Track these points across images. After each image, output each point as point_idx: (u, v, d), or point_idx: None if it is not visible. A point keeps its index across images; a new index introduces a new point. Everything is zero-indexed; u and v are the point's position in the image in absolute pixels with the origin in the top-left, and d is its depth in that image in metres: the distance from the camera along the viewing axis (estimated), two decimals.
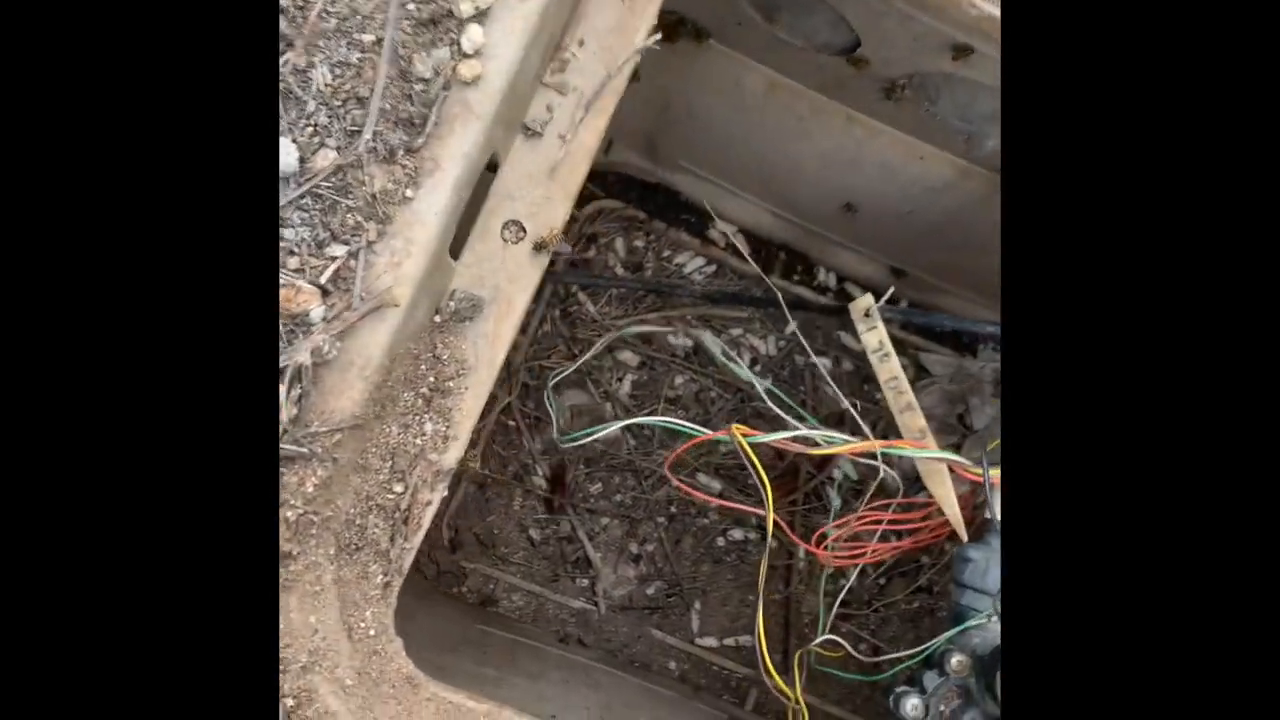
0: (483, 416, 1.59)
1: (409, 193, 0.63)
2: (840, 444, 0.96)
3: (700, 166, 1.52)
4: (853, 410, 0.95)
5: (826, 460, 1.59)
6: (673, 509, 1.60)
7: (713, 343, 1.48)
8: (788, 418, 1.00)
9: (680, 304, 1.62)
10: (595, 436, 0.96)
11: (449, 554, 1.53)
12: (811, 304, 1.21)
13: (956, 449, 1.57)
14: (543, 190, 0.71)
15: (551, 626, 1.54)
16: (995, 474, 0.96)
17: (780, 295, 1.20)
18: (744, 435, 0.93)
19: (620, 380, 1.60)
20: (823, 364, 1.65)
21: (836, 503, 1.26)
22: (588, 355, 1.13)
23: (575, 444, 1.05)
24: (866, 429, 0.92)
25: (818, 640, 1.09)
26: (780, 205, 1.54)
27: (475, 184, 0.67)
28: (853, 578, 1.36)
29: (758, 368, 1.64)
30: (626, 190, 1.63)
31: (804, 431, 0.96)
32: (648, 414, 1.59)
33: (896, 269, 1.56)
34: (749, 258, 1.60)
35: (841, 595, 1.21)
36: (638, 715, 1.25)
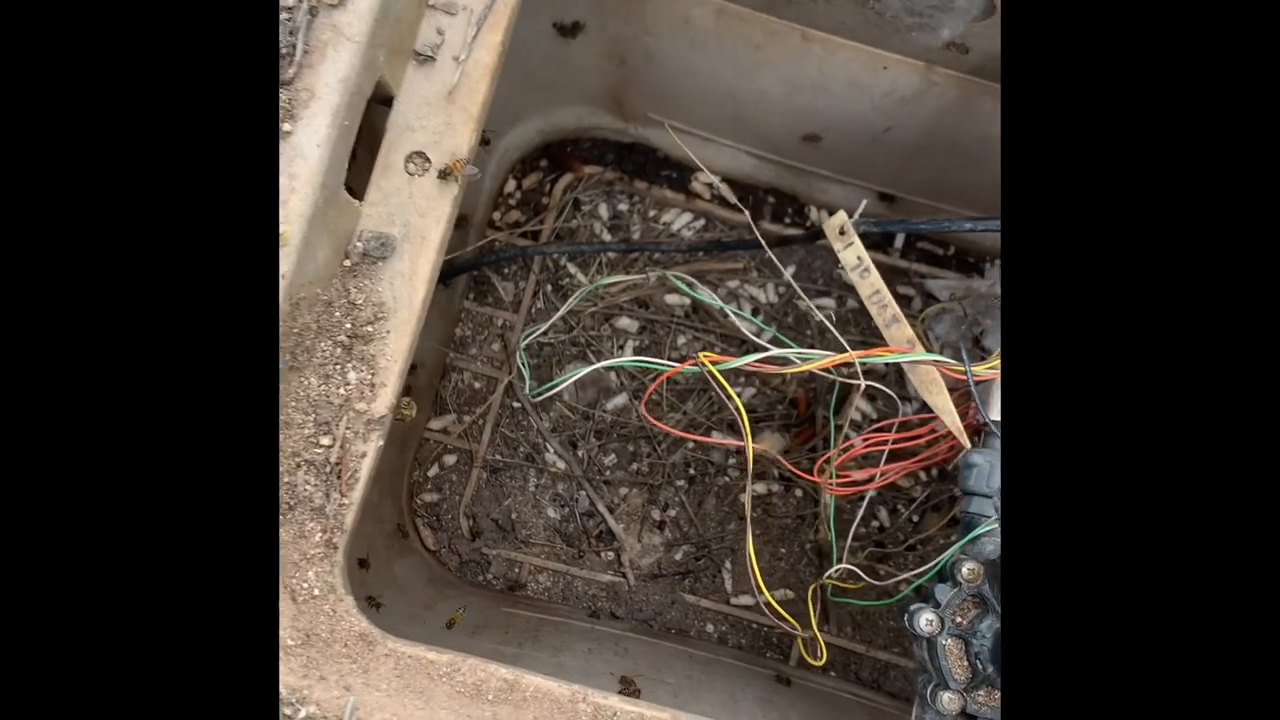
0: (483, 401, 1.57)
1: (286, 127, 0.60)
2: (816, 359, 0.91)
3: (670, 116, 1.48)
4: (828, 323, 0.90)
5: (842, 403, 1.54)
6: (691, 471, 1.56)
7: (706, 295, 1.44)
8: (771, 348, 0.96)
9: (672, 262, 1.59)
10: (563, 385, 0.93)
11: (469, 543, 1.51)
12: (792, 237, 1.17)
13: None
14: (443, 116, 0.68)
15: (582, 603, 1.51)
16: (980, 371, 0.91)
17: (759, 236, 1.16)
18: (713, 362, 0.89)
19: (622, 348, 1.57)
20: (827, 304, 1.60)
21: (834, 430, 1.21)
22: (560, 312, 1.10)
23: (546, 395, 1.01)
24: (844, 342, 0.88)
25: (832, 570, 1.05)
26: (758, 145, 1.50)
27: (362, 113, 0.64)
28: (863, 506, 1.31)
29: (760, 317, 1.60)
30: (603, 154, 1.60)
31: (777, 351, 0.92)
32: (652, 378, 1.56)
33: (886, 194, 1.51)
34: (738, 204, 1.56)
35: (854, 525, 1.16)
36: (666, 676, 1.22)
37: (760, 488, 1.56)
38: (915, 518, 1.57)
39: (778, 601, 1.53)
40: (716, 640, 1.51)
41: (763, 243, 0.99)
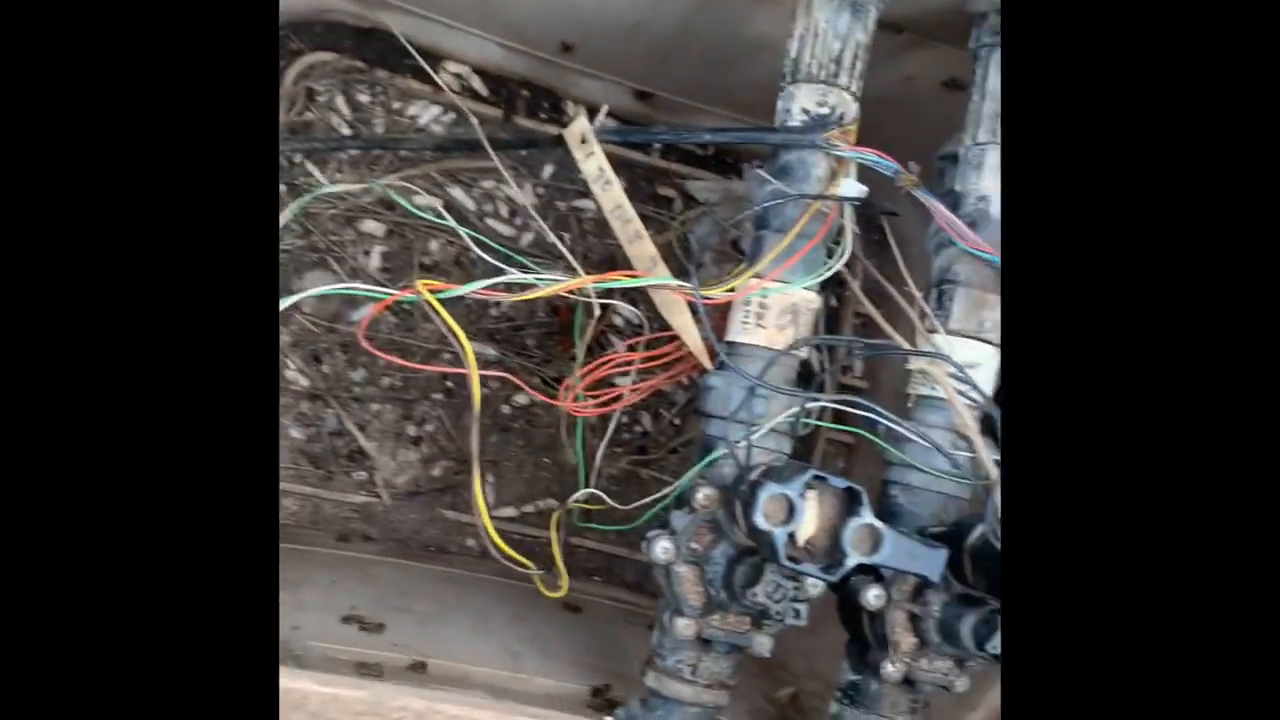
0: None
1: None
2: (549, 285, 0.86)
3: (410, 1, 1.35)
4: (560, 244, 0.85)
5: (605, 310, 1.50)
6: (449, 384, 1.49)
7: (417, 206, 1.35)
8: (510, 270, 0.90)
9: (421, 160, 1.48)
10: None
11: None
12: (537, 137, 1.09)
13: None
14: None
15: (333, 526, 1.44)
16: (713, 294, 0.89)
17: (486, 143, 1.08)
18: (434, 290, 0.82)
19: (368, 254, 1.46)
20: (589, 206, 1.54)
21: (580, 352, 1.18)
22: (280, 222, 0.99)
23: None
24: (577, 265, 0.82)
25: (576, 495, 1.02)
26: (508, 35, 1.39)
27: None
28: (614, 422, 1.29)
29: (517, 220, 1.52)
30: (338, 39, 1.45)
31: (511, 277, 0.85)
32: (400, 286, 1.46)
33: (643, 92, 1.45)
34: (466, 111, 1.46)
35: (608, 436, 1.14)
36: (415, 604, 1.17)
37: (523, 399, 1.52)
38: (677, 421, 1.58)
39: (545, 511, 1.51)
40: (479, 554, 1.48)
41: (491, 152, 0.92)
